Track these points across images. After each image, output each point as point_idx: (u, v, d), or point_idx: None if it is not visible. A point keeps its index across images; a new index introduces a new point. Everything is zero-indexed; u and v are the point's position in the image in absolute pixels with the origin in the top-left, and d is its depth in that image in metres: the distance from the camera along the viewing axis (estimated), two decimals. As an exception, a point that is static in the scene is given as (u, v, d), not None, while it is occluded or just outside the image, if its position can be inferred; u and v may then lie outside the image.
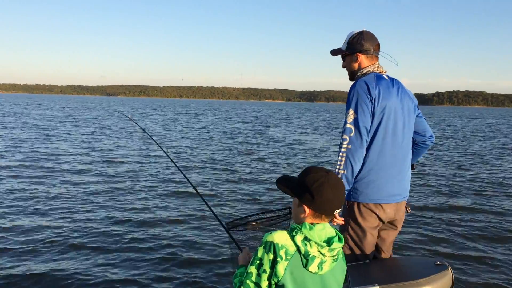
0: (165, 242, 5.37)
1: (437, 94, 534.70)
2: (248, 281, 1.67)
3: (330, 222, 2.62)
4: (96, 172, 9.99)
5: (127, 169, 10.49)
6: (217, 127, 27.45)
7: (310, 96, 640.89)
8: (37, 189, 8.01)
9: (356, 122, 2.53)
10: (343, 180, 2.51)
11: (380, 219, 2.67)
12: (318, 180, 1.70)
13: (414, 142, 2.86)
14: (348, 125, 2.55)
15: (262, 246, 1.66)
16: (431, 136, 2.91)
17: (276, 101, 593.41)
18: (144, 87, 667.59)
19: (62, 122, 26.72)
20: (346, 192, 2.62)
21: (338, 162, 2.55)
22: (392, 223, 2.77)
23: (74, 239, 5.38)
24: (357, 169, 2.56)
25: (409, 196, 2.82)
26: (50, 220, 6.11)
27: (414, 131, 2.82)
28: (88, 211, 6.63)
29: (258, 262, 1.66)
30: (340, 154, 2.55)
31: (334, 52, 2.87)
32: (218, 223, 5.57)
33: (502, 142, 21.42)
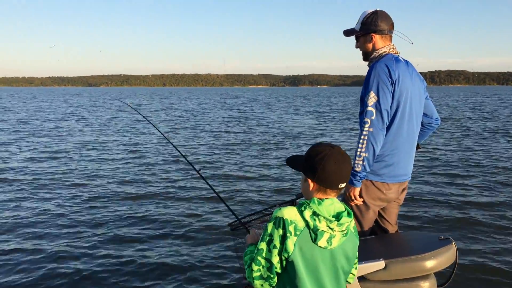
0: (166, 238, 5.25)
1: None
2: (259, 257, 1.68)
3: (348, 203, 2.66)
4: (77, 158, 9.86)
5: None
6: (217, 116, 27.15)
7: (294, 81, 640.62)
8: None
9: (377, 105, 2.54)
10: (364, 163, 2.56)
11: (385, 199, 2.72)
12: (321, 153, 1.71)
13: (421, 124, 2.89)
14: (369, 108, 2.55)
15: (272, 222, 1.68)
16: (437, 118, 2.95)
17: (260, 86, 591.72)
18: (127, 76, 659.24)
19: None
20: (363, 174, 2.61)
21: (360, 145, 2.56)
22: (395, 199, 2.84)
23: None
24: (377, 151, 2.57)
25: (413, 173, 2.85)
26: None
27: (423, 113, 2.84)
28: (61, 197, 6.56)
29: (268, 238, 1.67)
30: (362, 137, 2.55)
31: (347, 33, 2.83)
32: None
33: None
